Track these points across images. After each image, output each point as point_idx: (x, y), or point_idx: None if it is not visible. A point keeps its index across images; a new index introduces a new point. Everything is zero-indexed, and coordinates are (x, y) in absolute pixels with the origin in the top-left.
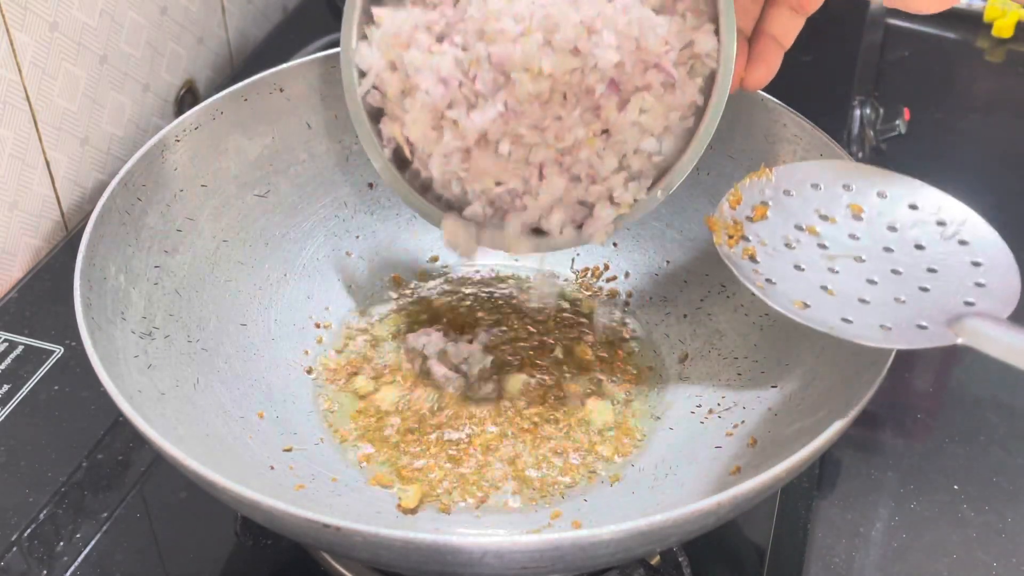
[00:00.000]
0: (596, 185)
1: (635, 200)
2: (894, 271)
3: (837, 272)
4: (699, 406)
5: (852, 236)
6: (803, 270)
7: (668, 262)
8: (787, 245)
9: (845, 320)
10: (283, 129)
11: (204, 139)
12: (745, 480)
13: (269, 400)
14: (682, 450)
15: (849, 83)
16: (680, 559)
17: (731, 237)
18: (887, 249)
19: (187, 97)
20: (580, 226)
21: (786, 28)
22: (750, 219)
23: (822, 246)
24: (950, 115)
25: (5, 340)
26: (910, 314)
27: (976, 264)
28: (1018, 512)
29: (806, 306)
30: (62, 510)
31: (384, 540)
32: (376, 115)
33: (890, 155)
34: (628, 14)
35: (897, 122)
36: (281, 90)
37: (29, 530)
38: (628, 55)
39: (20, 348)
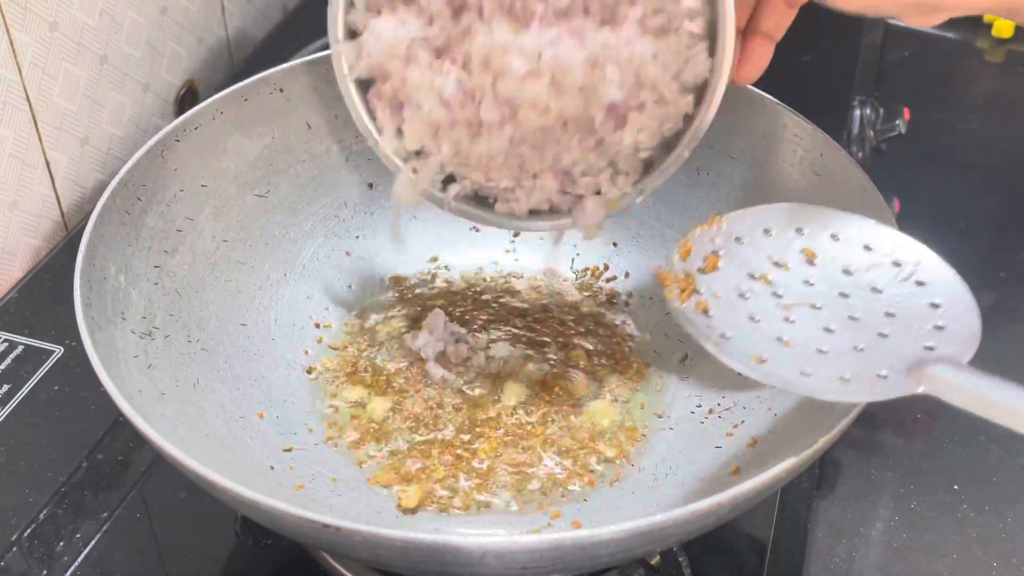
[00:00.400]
0: (586, 178)
1: (623, 194)
2: (851, 317)
3: (793, 322)
4: (699, 406)
5: (807, 282)
6: (758, 321)
7: None
8: (741, 296)
9: (803, 374)
10: (283, 129)
11: (204, 139)
12: (745, 480)
13: (269, 400)
14: (682, 450)
15: (849, 83)
16: (680, 559)
17: (683, 291)
18: (843, 294)
19: (187, 97)
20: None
21: (779, 22)
22: (702, 271)
23: (776, 295)
24: (950, 115)
25: (5, 340)
26: (870, 363)
27: (934, 306)
28: (1018, 512)
29: (763, 361)
30: (62, 510)
31: (384, 540)
32: (366, 86)
33: (890, 155)
34: (631, 46)
35: (897, 122)
36: (281, 90)
37: (29, 530)
38: (629, 86)
39: (20, 348)
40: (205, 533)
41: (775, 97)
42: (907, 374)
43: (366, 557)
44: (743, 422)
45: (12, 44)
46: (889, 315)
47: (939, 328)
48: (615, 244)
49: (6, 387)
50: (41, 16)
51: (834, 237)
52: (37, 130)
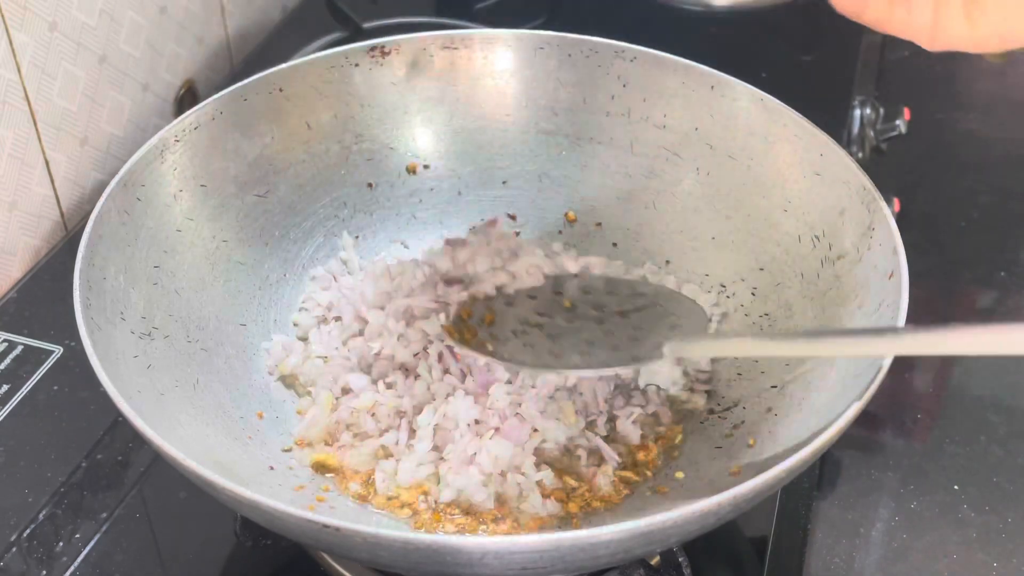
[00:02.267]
0: None
1: None
2: (607, 333)
3: (558, 337)
4: (700, 406)
5: (569, 321)
6: (533, 347)
7: (668, 262)
8: (514, 333)
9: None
10: (283, 129)
11: (204, 139)
12: (745, 480)
13: (269, 400)
14: (683, 450)
15: (849, 83)
16: (680, 559)
17: (466, 343)
18: (599, 322)
19: (187, 97)
20: None
21: None
22: (481, 324)
23: (550, 335)
24: (950, 115)
25: (5, 340)
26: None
27: (669, 314)
28: (1018, 512)
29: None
30: (61, 510)
31: (384, 540)
32: None
33: (890, 155)
34: None
35: (897, 122)
36: (281, 90)
37: (29, 530)
38: None
39: (19, 348)
40: (205, 533)
41: (775, 97)
42: (652, 353)
43: (366, 557)
44: (743, 422)
45: (12, 44)
46: (637, 328)
47: (673, 327)
48: (615, 244)
49: (5, 387)
50: (41, 16)
51: (581, 277)
52: (36, 130)
